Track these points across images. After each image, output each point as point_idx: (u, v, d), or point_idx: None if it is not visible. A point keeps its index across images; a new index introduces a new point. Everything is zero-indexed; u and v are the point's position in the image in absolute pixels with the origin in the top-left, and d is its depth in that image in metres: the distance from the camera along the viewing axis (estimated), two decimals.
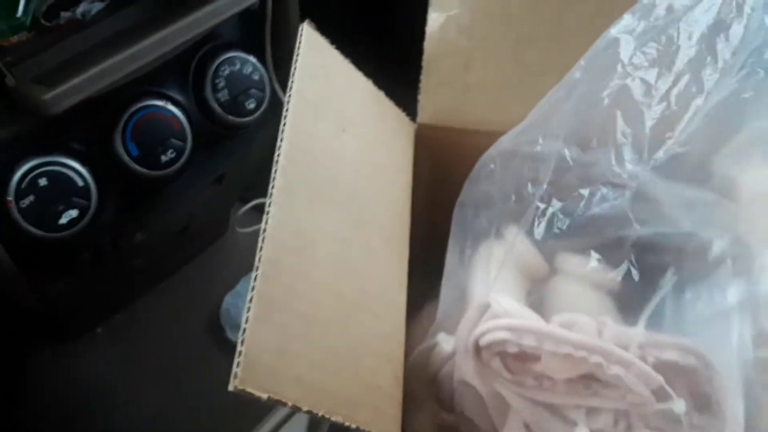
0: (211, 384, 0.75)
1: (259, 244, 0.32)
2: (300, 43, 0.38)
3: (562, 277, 0.39)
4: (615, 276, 0.37)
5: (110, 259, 0.62)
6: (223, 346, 0.78)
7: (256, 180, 0.82)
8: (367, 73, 0.47)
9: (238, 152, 0.65)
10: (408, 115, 0.50)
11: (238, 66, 0.56)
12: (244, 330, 0.29)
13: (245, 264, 0.81)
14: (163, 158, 0.53)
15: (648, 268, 0.37)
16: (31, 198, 0.47)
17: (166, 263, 0.79)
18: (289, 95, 0.36)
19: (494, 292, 0.37)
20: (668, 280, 0.36)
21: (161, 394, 0.75)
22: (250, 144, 0.66)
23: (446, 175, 0.51)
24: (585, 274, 0.38)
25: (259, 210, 0.82)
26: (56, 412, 0.74)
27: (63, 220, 0.49)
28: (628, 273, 0.37)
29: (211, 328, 0.79)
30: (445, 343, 0.37)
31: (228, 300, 0.80)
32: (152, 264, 0.74)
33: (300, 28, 0.39)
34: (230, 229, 0.85)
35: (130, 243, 0.62)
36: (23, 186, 0.47)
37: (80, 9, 0.53)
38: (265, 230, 0.32)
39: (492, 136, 0.48)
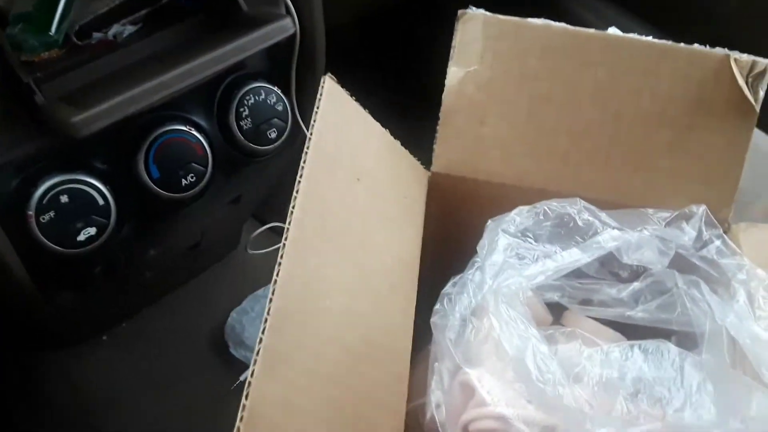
0: (211, 399, 0.76)
1: (270, 296, 0.32)
2: (321, 95, 0.39)
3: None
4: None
5: (122, 272, 0.63)
6: (226, 362, 0.78)
7: (271, 200, 0.83)
8: (387, 116, 0.48)
9: (256, 176, 0.66)
10: (422, 162, 0.51)
11: (262, 96, 0.57)
12: (250, 383, 0.29)
13: (253, 282, 0.82)
14: (184, 182, 0.54)
15: None
16: (52, 214, 0.48)
17: (175, 276, 0.80)
18: (308, 147, 0.37)
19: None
20: None
21: (160, 406, 0.75)
22: (267, 168, 0.67)
23: (456, 222, 0.52)
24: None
25: (272, 231, 0.84)
26: (54, 415, 0.74)
27: (81, 237, 0.50)
28: None
29: (215, 343, 0.79)
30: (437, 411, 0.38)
31: (234, 316, 0.80)
32: (162, 277, 0.74)
33: (321, 81, 0.40)
34: (240, 247, 0.86)
35: (143, 258, 0.63)
36: (44, 202, 0.48)
37: (112, 30, 0.54)
38: (275, 282, 0.33)
39: (502, 188, 0.49)
